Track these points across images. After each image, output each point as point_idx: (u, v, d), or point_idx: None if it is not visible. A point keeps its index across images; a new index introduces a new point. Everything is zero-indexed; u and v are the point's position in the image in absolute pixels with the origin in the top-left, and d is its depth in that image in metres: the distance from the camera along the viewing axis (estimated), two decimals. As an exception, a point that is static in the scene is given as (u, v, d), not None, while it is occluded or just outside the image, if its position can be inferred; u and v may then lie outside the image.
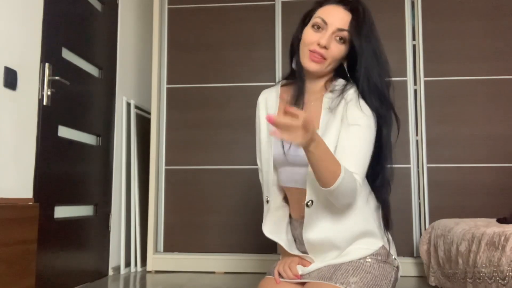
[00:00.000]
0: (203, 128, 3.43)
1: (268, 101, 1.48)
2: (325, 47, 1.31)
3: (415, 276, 3.10)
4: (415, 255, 3.17)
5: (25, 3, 2.33)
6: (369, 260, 1.30)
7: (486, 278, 1.96)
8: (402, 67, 3.31)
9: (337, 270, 1.27)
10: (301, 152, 1.25)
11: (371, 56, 1.31)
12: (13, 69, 2.22)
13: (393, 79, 3.69)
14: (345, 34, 1.32)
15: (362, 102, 1.31)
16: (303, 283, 1.33)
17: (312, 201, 1.29)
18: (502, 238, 1.90)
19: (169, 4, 3.55)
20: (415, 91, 3.31)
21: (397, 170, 3.21)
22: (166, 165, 3.45)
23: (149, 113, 3.57)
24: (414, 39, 3.34)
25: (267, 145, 1.43)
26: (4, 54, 2.17)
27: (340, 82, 1.38)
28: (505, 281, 1.81)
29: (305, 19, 1.40)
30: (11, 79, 2.20)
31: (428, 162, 3.23)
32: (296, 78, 1.40)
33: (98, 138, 3.10)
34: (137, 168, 3.46)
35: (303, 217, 1.35)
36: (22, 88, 2.29)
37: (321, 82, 1.40)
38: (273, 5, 3.45)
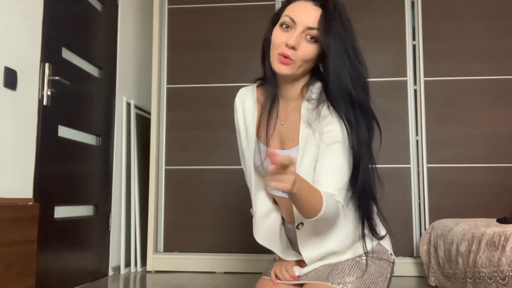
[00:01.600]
0: (203, 128, 3.43)
1: (245, 105, 1.40)
2: (293, 48, 1.20)
3: (415, 276, 3.10)
4: (415, 255, 3.17)
5: (25, 3, 2.33)
6: (365, 258, 1.29)
7: (486, 278, 1.96)
8: (402, 67, 3.31)
9: (333, 269, 1.27)
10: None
11: (341, 56, 1.19)
12: (13, 69, 2.22)
13: (393, 79, 3.70)
14: (314, 32, 1.20)
15: (334, 115, 1.22)
16: (300, 284, 1.33)
17: (302, 223, 1.28)
18: (502, 238, 1.90)
19: (169, 4, 3.55)
20: (415, 91, 3.31)
21: (397, 170, 3.24)
22: (166, 165, 3.45)
23: (149, 113, 3.57)
24: (414, 39, 3.34)
25: (248, 151, 1.38)
26: (4, 54, 2.17)
27: (317, 87, 1.28)
28: (505, 281, 1.81)
29: (275, 18, 1.29)
30: (11, 79, 2.20)
31: (428, 162, 3.23)
32: (267, 82, 1.31)
33: (98, 138, 3.10)
34: (137, 168, 3.46)
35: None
36: (22, 88, 2.29)
37: (297, 87, 1.30)
38: (273, 5, 3.45)
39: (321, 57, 1.24)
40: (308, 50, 1.22)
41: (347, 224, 1.28)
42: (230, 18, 3.49)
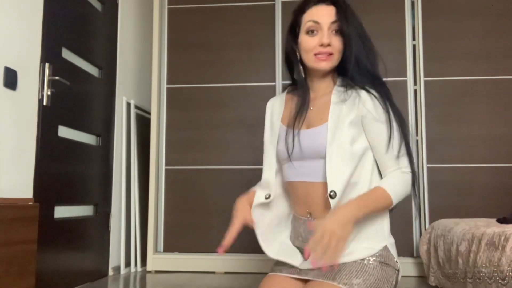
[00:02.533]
0: (203, 128, 3.43)
1: (274, 107, 1.53)
2: (329, 45, 1.34)
3: (415, 276, 3.10)
4: (415, 255, 3.17)
5: (25, 3, 2.33)
6: (372, 261, 1.30)
7: (486, 278, 1.96)
8: (402, 67, 3.31)
9: (341, 269, 1.27)
10: (313, 144, 1.31)
11: (357, 41, 1.35)
12: (13, 69, 2.22)
13: (393, 79, 3.70)
14: (337, 25, 1.35)
15: (367, 95, 1.34)
16: (305, 280, 1.33)
17: (335, 192, 1.29)
18: (502, 238, 1.90)
19: (169, 4, 3.55)
20: (415, 91, 3.31)
21: (397, 170, 3.23)
22: (166, 165, 3.45)
23: (149, 113, 3.57)
24: (414, 39, 3.34)
25: (271, 143, 1.48)
26: (4, 54, 2.17)
27: (342, 77, 1.41)
28: (505, 281, 1.81)
29: (292, 30, 1.43)
30: (11, 79, 2.20)
31: (428, 162, 3.23)
32: (299, 86, 1.43)
33: (98, 138, 3.10)
34: (137, 168, 3.46)
35: (309, 213, 1.37)
36: (22, 88, 2.29)
37: (328, 79, 1.42)
38: (273, 5, 3.45)
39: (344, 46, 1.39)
40: (339, 42, 1.36)
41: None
42: (230, 18, 3.49)
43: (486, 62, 3.27)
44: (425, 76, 3.29)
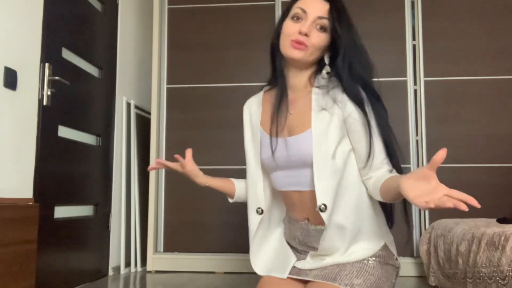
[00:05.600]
0: (203, 128, 3.43)
1: (251, 108, 1.49)
2: (306, 35, 1.28)
3: (415, 276, 3.10)
4: (415, 255, 3.17)
5: (25, 3, 2.33)
6: (372, 261, 1.30)
7: (486, 278, 1.96)
8: (402, 67, 3.31)
9: (342, 270, 1.27)
10: (298, 152, 1.27)
11: (352, 45, 1.29)
12: (13, 69, 2.22)
13: (393, 79, 3.70)
14: (325, 22, 1.30)
15: (351, 100, 1.29)
16: (305, 282, 1.32)
17: (325, 205, 1.25)
18: (502, 238, 1.90)
19: (169, 4, 3.55)
20: (415, 91, 3.31)
21: (397, 170, 3.23)
22: (166, 165, 3.44)
23: (149, 113, 3.57)
24: (414, 39, 3.34)
25: (253, 147, 1.45)
26: (4, 54, 2.17)
27: (324, 76, 1.35)
28: (505, 281, 1.81)
29: (283, 15, 1.39)
30: (11, 79, 2.20)
31: (428, 162, 3.22)
32: (277, 77, 1.39)
33: (98, 138, 3.10)
34: (137, 168, 3.46)
35: (307, 219, 1.35)
36: (22, 88, 2.29)
37: (305, 77, 1.37)
38: (273, 5, 3.45)
39: (329, 47, 1.33)
40: (319, 38, 1.30)
41: (366, 212, 1.34)
42: (230, 18, 3.49)
43: (486, 62, 3.27)
44: (425, 76, 3.29)
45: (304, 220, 1.36)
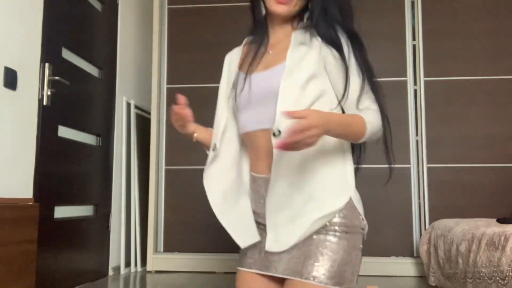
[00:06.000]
0: (203, 128, 3.43)
1: (232, 58, 1.47)
2: None
3: (415, 276, 3.10)
4: (415, 255, 3.17)
5: (25, 3, 2.33)
6: (334, 238, 1.22)
7: (486, 278, 1.96)
8: (402, 67, 3.31)
9: (307, 258, 1.20)
10: (272, 84, 1.23)
11: None
12: (13, 69, 2.22)
13: (393, 79, 3.70)
14: None
15: (324, 45, 1.26)
16: (281, 280, 1.27)
17: (280, 131, 1.16)
18: (502, 238, 1.90)
19: (169, 4, 3.55)
20: (415, 91, 3.31)
21: (397, 170, 3.23)
22: (166, 165, 3.45)
23: (149, 113, 3.57)
24: (414, 39, 3.35)
25: (225, 94, 1.44)
26: (4, 54, 2.17)
27: (306, 22, 1.32)
28: (505, 281, 1.82)
29: None
30: (11, 79, 2.20)
31: (428, 162, 3.23)
32: (257, 29, 1.37)
33: (98, 138, 3.10)
34: (137, 168, 3.46)
35: (270, 169, 1.25)
36: (22, 88, 2.29)
37: (287, 27, 1.34)
38: (273, 5, 3.45)
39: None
40: None
41: (326, 158, 1.25)
42: (230, 18, 3.49)
43: (486, 62, 3.27)
44: (425, 76, 3.29)
45: (268, 172, 1.27)
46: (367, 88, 1.24)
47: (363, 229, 1.28)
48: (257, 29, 1.39)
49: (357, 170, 1.32)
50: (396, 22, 3.35)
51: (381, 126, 1.25)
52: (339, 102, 1.25)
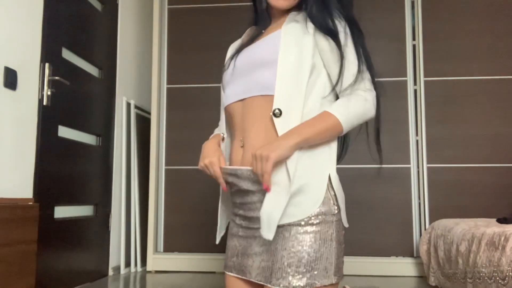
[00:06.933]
0: (203, 128, 3.43)
1: (234, 46, 1.45)
2: None
3: (415, 276, 3.10)
4: (415, 255, 3.17)
5: (25, 3, 2.33)
6: (312, 232, 1.13)
7: (486, 278, 1.96)
8: (402, 67, 3.31)
9: (274, 262, 1.15)
10: (266, 49, 1.22)
11: None
12: (13, 69, 2.22)
13: (393, 79, 3.70)
14: None
15: (318, 32, 1.23)
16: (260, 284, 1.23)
17: (280, 111, 1.15)
18: (502, 238, 1.90)
19: (169, 4, 3.56)
20: (415, 91, 3.31)
21: (397, 170, 3.24)
22: (166, 165, 3.45)
23: (149, 113, 3.57)
24: (414, 39, 3.35)
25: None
26: (4, 54, 2.17)
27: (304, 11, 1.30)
28: (505, 281, 1.82)
29: None
30: (11, 79, 2.20)
31: (428, 162, 3.23)
32: (259, 19, 1.36)
33: (98, 138, 3.10)
34: (137, 168, 3.46)
35: (242, 142, 1.25)
36: (22, 88, 2.30)
37: (286, 16, 1.32)
38: (273, 5, 3.45)
39: None
40: None
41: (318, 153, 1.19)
42: (230, 18, 3.49)
43: (486, 62, 3.27)
44: (425, 76, 3.30)
45: (240, 147, 1.27)
46: (363, 75, 1.20)
47: (334, 215, 1.16)
48: (260, 20, 1.37)
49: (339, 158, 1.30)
50: (396, 22, 3.35)
51: (370, 107, 1.18)
52: (333, 88, 1.21)
